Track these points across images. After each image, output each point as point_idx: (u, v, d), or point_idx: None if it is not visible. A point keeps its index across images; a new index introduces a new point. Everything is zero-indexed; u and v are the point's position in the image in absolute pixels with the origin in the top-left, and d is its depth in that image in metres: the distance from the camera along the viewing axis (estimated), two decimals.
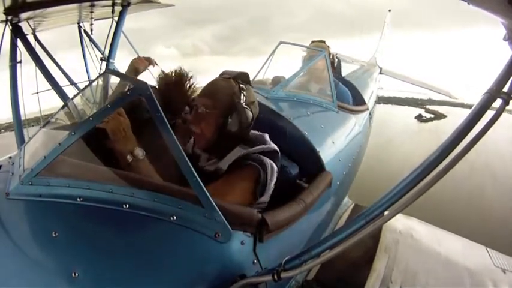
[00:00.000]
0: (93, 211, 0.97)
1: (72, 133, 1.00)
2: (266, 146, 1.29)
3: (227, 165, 1.25)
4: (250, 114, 1.28)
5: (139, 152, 1.09)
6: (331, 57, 2.78)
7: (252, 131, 1.41)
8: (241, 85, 1.30)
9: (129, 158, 1.08)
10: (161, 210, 0.97)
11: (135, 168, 1.08)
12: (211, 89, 1.32)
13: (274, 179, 1.24)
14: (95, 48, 3.17)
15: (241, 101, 1.27)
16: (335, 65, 2.91)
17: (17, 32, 2.16)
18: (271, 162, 1.23)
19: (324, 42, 2.88)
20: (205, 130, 1.27)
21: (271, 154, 1.28)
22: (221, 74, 1.38)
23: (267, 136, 1.37)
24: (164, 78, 1.58)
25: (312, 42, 2.89)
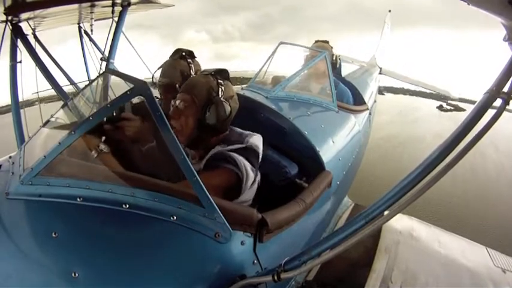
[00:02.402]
0: (93, 211, 0.97)
1: (72, 132, 1.00)
2: (241, 145, 1.30)
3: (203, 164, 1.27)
4: (228, 107, 1.31)
5: (104, 147, 1.13)
6: (334, 58, 2.76)
7: (238, 129, 1.42)
8: (219, 80, 1.33)
9: (93, 153, 1.11)
10: (161, 210, 0.97)
11: (102, 161, 1.11)
12: (189, 85, 1.35)
13: (252, 176, 1.24)
14: (95, 48, 3.18)
15: (219, 95, 1.30)
16: (337, 66, 2.88)
17: (17, 32, 2.16)
18: (245, 161, 1.24)
19: (327, 42, 2.85)
20: (185, 125, 1.30)
21: (247, 152, 1.28)
22: (201, 72, 1.42)
23: (250, 134, 1.38)
24: None
25: (316, 42, 2.86)
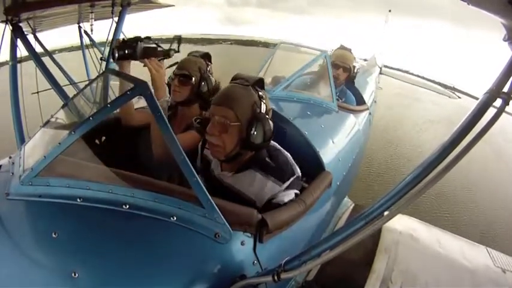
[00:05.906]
0: (93, 211, 0.97)
1: (72, 133, 1.00)
2: (295, 176, 1.25)
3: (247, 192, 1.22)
4: (271, 124, 1.20)
5: None
6: (354, 70, 2.69)
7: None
8: (260, 93, 1.22)
9: None
10: (161, 211, 0.97)
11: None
12: (230, 97, 1.19)
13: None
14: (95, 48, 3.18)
15: (262, 111, 1.19)
16: (355, 78, 2.80)
17: (17, 32, 2.15)
18: (293, 195, 1.24)
19: (350, 50, 2.72)
20: (228, 143, 1.18)
21: (297, 183, 1.26)
22: (235, 79, 1.27)
23: (291, 162, 1.30)
24: None
25: (339, 48, 2.75)
